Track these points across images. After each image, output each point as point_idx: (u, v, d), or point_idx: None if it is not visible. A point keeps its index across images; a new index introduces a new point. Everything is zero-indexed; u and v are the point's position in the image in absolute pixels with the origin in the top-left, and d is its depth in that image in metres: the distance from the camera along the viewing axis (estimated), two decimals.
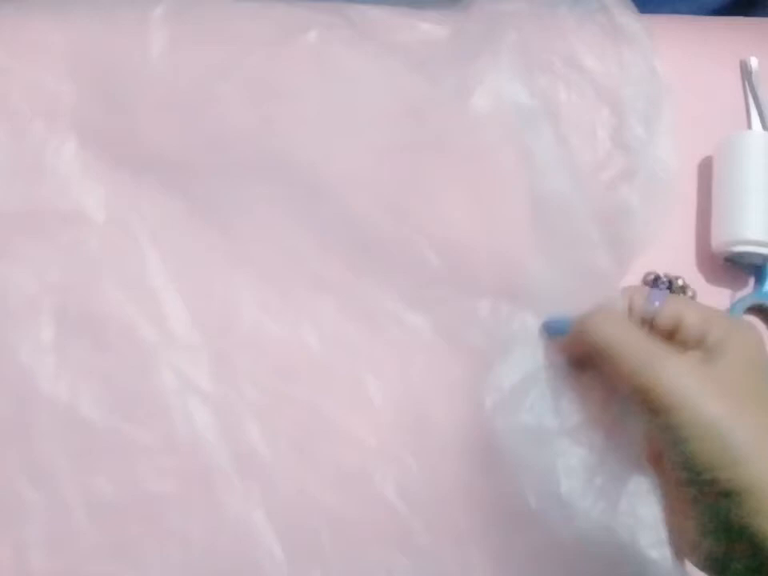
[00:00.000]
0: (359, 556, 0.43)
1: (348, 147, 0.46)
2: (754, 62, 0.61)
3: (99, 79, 0.48)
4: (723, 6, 0.68)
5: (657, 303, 0.43)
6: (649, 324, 0.42)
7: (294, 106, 0.47)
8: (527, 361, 0.45)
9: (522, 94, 0.45)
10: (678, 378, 0.38)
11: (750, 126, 0.60)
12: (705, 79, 0.59)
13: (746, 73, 0.61)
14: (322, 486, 0.45)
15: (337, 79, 0.47)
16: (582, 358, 0.44)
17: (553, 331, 0.46)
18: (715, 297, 0.58)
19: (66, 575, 0.44)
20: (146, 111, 0.47)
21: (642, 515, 0.40)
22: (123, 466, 0.44)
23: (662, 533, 0.40)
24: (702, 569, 0.38)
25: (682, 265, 0.58)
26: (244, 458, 0.45)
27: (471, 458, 0.46)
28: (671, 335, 0.41)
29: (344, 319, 0.47)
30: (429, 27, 0.49)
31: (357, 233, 0.46)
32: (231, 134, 0.47)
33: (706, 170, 0.60)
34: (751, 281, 0.58)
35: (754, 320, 0.57)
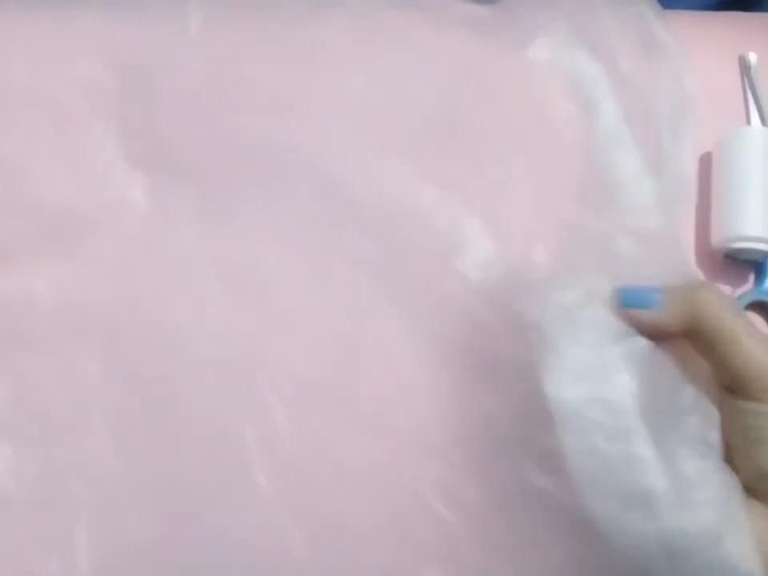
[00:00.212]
0: (396, 571, 0.40)
1: (393, 110, 0.44)
2: (752, 57, 0.60)
3: (137, 68, 0.48)
4: (722, 2, 0.68)
5: None
6: None
7: (335, 75, 0.45)
8: (593, 336, 0.41)
9: (579, 52, 0.43)
10: None
11: (749, 122, 0.60)
12: (703, 75, 0.58)
13: (744, 68, 0.61)
14: (354, 485, 0.42)
15: (381, 41, 0.44)
16: (664, 335, 0.42)
17: (630, 302, 0.42)
18: None
19: (111, 574, 0.42)
20: (183, 97, 0.44)
21: (730, 520, 0.37)
22: (164, 462, 0.44)
23: (749, 542, 0.37)
24: None
25: None
26: (274, 453, 0.43)
27: (529, 454, 0.42)
28: None
29: (381, 298, 0.44)
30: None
31: (397, 202, 0.44)
32: (270, 109, 0.44)
33: (705, 166, 0.59)
34: (751, 277, 0.58)
35: (754, 317, 0.57)
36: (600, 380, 0.38)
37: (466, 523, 0.41)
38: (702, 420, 0.38)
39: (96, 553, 0.41)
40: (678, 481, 0.36)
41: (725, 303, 0.40)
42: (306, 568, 0.41)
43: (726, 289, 0.58)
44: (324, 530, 0.41)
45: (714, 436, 0.39)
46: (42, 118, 0.47)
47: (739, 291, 0.58)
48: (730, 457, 0.40)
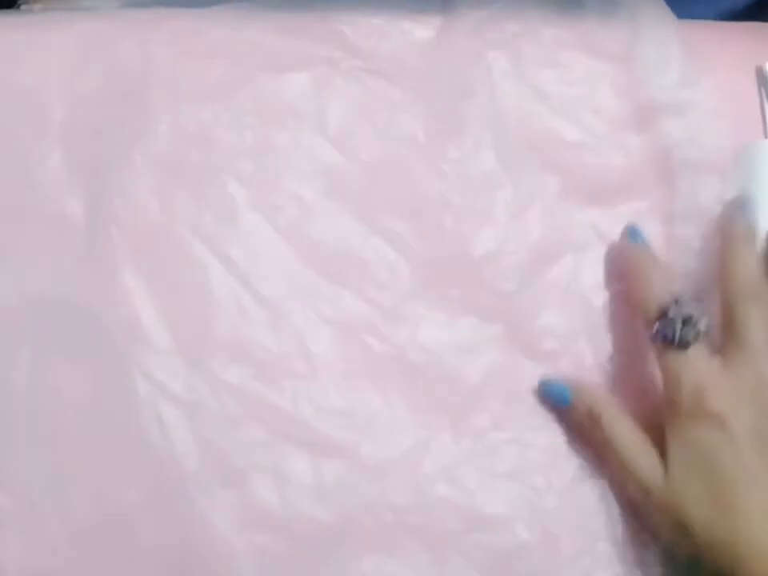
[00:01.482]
0: None
1: None
2: None
3: (93, 94, 0.46)
4: (741, 10, 0.65)
5: None
6: None
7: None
8: None
9: None
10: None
11: (766, 135, 0.58)
12: (721, 87, 0.56)
13: (762, 79, 0.59)
14: (302, 496, 0.42)
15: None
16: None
17: (553, 397, 0.45)
18: None
19: None
20: (135, 132, 0.45)
21: None
22: (97, 477, 0.41)
23: None
24: None
25: None
26: (219, 468, 0.41)
27: None
28: None
29: (339, 330, 0.44)
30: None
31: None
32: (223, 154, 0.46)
33: None
34: None
35: None
36: None
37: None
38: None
39: (24, 569, 0.39)
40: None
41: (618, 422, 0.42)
42: None
43: None
44: (277, 549, 0.40)
45: None
46: None
47: None
48: None
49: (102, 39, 0.48)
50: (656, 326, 0.41)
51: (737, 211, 0.45)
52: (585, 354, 0.45)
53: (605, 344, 0.45)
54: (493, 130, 0.47)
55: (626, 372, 0.45)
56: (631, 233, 0.46)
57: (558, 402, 0.44)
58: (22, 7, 0.75)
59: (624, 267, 0.46)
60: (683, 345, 0.40)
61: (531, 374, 0.44)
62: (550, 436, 0.43)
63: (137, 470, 0.41)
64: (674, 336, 0.41)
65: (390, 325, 0.43)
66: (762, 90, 0.54)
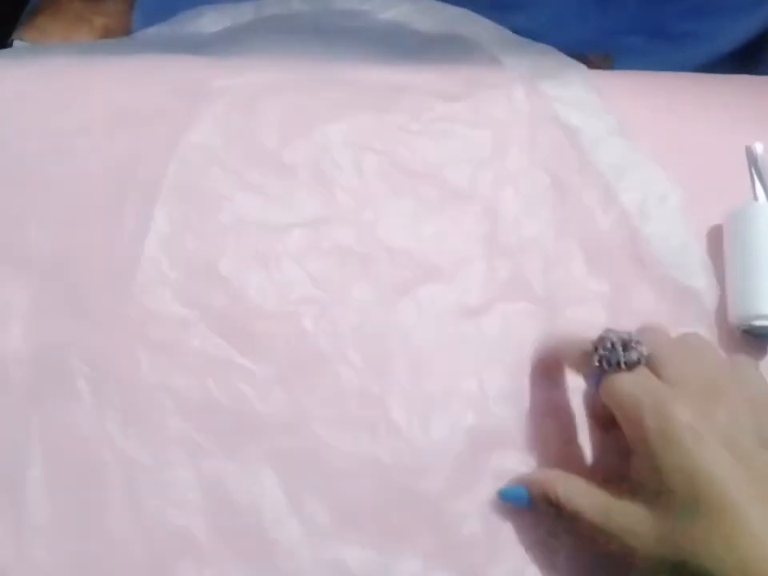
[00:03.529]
0: None
1: None
2: (759, 148, 0.59)
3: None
4: (725, 57, 0.66)
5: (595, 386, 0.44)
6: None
7: None
8: None
9: None
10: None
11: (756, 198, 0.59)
12: (709, 144, 0.57)
13: (751, 159, 0.59)
14: None
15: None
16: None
17: (513, 501, 0.47)
18: None
19: None
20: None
21: None
22: None
23: None
24: None
25: None
26: None
27: None
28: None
29: None
30: None
31: None
32: None
33: (714, 240, 0.59)
34: None
35: None
36: None
37: None
38: None
39: None
40: None
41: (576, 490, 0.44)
42: None
43: None
44: None
45: None
46: None
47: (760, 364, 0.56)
48: None
49: None
50: (596, 356, 0.42)
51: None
52: None
53: None
54: None
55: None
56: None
57: (523, 505, 0.46)
58: (15, 43, 0.75)
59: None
60: (631, 365, 0.42)
61: None
62: None
63: None
64: (618, 359, 0.42)
65: None
66: (752, 168, 0.54)
